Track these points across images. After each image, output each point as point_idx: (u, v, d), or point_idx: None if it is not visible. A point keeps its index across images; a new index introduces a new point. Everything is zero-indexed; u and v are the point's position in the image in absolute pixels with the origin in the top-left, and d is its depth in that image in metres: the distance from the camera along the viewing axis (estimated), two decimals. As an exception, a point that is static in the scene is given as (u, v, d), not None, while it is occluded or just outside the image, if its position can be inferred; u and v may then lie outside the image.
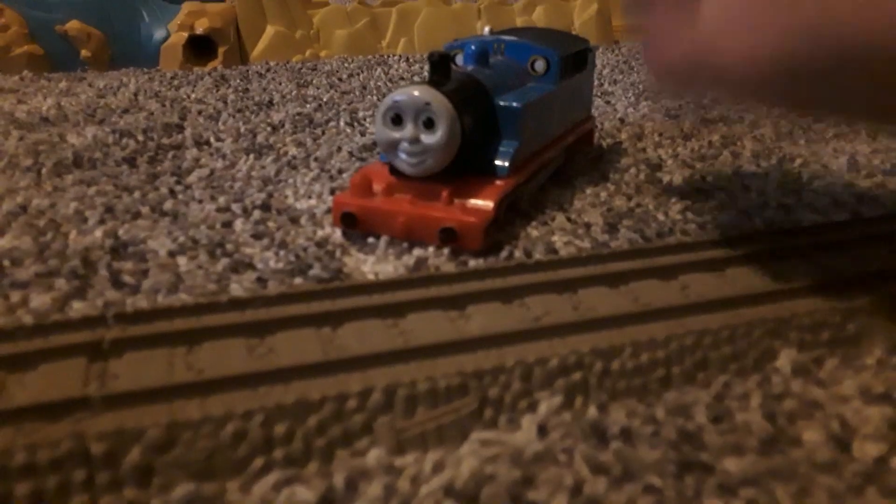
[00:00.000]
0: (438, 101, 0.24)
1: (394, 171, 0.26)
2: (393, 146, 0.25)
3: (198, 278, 0.23)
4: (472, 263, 0.24)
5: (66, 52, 0.64)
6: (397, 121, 0.25)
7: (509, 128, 0.27)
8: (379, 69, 0.64)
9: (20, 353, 0.16)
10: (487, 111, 0.27)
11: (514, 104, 0.27)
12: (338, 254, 0.25)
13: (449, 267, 0.24)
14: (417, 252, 0.25)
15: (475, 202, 0.25)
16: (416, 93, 0.24)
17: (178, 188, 0.31)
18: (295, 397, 0.15)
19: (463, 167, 0.26)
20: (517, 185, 0.27)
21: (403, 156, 0.25)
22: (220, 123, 0.43)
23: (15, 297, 0.21)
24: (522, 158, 0.28)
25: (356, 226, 0.26)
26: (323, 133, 0.42)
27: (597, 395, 0.17)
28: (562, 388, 0.17)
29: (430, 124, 0.24)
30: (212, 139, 0.40)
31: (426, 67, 0.27)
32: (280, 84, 0.57)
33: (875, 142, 0.40)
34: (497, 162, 0.27)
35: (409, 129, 0.24)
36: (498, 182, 0.26)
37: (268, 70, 0.64)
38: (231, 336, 0.18)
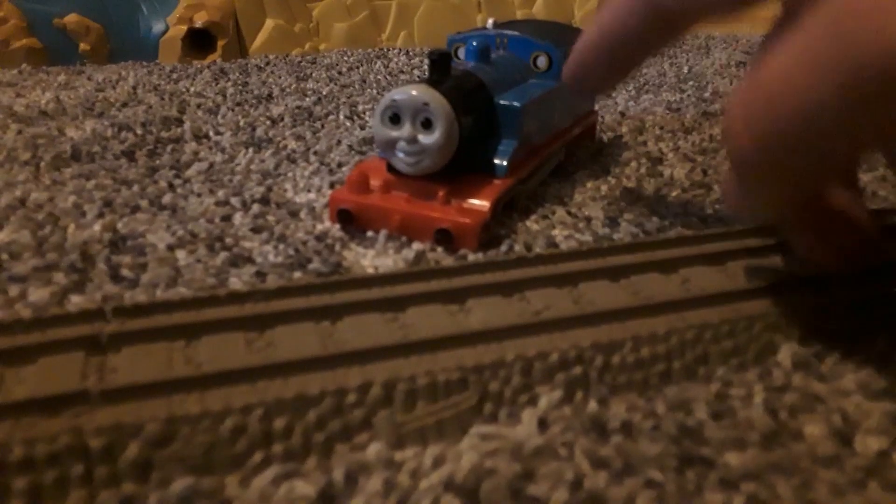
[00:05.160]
0: (437, 102, 0.24)
1: (391, 168, 0.26)
2: (391, 145, 0.25)
3: (196, 272, 0.23)
4: (472, 257, 0.24)
5: (65, 46, 0.64)
6: (395, 120, 0.24)
7: (509, 127, 0.27)
8: (379, 62, 0.64)
9: (18, 346, 0.16)
10: (487, 110, 0.27)
11: (514, 103, 0.27)
12: (337, 247, 0.25)
13: (449, 261, 0.24)
14: (417, 246, 0.25)
15: (471, 202, 0.25)
16: (414, 92, 0.24)
17: (177, 182, 0.31)
18: (294, 392, 0.15)
19: (461, 165, 0.25)
20: (515, 184, 0.27)
21: (401, 155, 0.25)
22: (219, 117, 0.43)
23: (13, 290, 0.21)
24: (522, 157, 0.28)
25: (352, 223, 0.26)
26: (322, 126, 0.41)
27: (597, 389, 0.17)
28: (562, 383, 0.17)
29: (427, 124, 0.24)
30: (211, 133, 0.40)
31: (426, 61, 0.27)
32: (279, 77, 0.57)
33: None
34: (496, 161, 0.27)
35: (406, 129, 0.24)
36: (496, 182, 0.26)
37: (267, 63, 0.63)
38: (230, 330, 0.18)
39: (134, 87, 0.52)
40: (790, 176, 0.17)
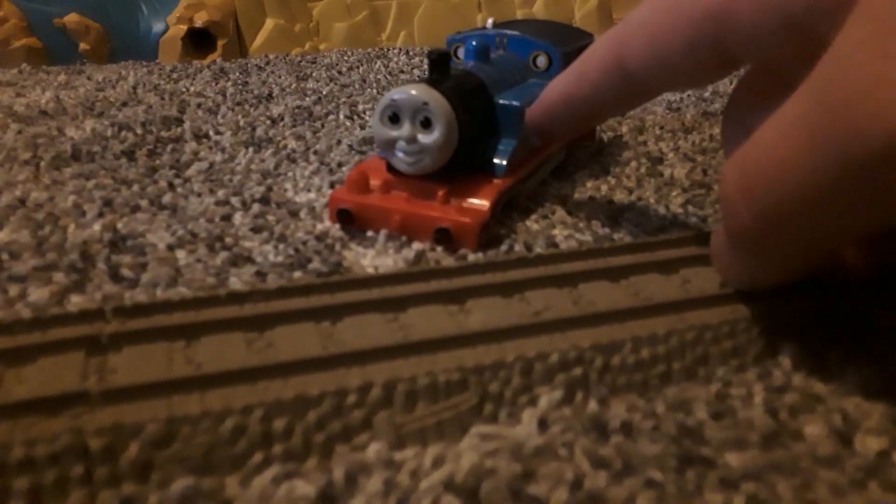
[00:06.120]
0: (436, 101, 0.24)
1: (391, 168, 0.26)
2: (390, 144, 0.25)
3: (197, 272, 0.23)
4: (472, 257, 0.24)
5: (65, 46, 0.64)
6: (395, 119, 0.24)
7: (508, 126, 0.27)
8: (379, 62, 0.64)
9: (18, 346, 0.16)
10: (486, 109, 0.27)
11: (514, 103, 0.27)
12: (337, 247, 0.25)
13: (449, 261, 0.24)
14: (417, 245, 0.25)
15: (471, 202, 0.25)
16: (413, 92, 0.24)
17: (177, 181, 0.31)
18: (294, 392, 0.15)
19: (461, 165, 0.25)
20: (515, 183, 0.27)
21: (401, 154, 0.25)
22: (219, 116, 0.43)
23: (13, 290, 0.21)
24: (521, 157, 0.28)
25: (352, 222, 0.26)
26: (322, 126, 0.41)
27: (597, 390, 0.17)
28: (562, 384, 0.17)
29: (427, 124, 0.24)
30: (211, 132, 0.40)
31: (426, 61, 0.27)
32: (279, 77, 0.57)
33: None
34: (495, 161, 0.27)
35: (406, 128, 0.24)
36: (496, 181, 0.26)
37: (267, 63, 0.63)
38: (230, 330, 0.18)
39: (134, 87, 0.52)
40: (794, 250, 0.16)
